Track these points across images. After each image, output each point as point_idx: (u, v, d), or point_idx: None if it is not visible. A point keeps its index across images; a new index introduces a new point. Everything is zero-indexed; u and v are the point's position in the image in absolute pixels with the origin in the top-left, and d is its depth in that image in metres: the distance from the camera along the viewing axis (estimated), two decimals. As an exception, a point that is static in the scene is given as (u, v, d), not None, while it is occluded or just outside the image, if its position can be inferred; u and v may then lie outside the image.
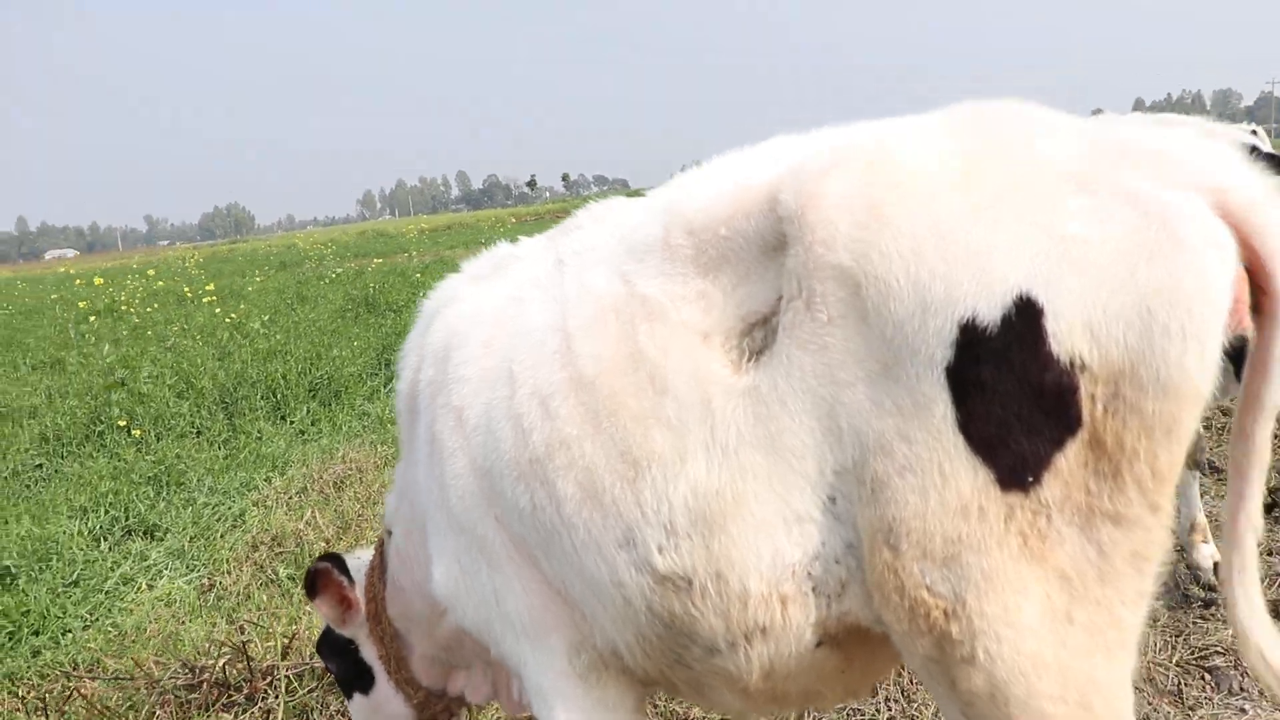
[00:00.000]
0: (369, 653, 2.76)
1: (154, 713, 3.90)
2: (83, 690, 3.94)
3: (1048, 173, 1.48)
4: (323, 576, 2.65)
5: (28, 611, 5.06)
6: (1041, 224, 1.43)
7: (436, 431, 2.13)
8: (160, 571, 5.64)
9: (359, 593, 2.75)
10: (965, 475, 1.43)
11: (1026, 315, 1.38)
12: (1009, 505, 1.42)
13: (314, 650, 3.01)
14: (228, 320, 14.09)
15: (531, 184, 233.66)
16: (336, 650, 2.81)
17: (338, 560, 2.70)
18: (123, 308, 18.52)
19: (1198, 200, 1.41)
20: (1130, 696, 1.53)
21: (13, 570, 5.50)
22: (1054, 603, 1.44)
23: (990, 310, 1.40)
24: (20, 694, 4.09)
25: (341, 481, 6.89)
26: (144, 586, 5.46)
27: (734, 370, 1.72)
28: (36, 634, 4.95)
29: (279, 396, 9.04)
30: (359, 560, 2.85)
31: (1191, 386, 1.37)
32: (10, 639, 4.92)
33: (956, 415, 1.43)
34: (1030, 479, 1.41)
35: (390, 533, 2.62)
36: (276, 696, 3.93)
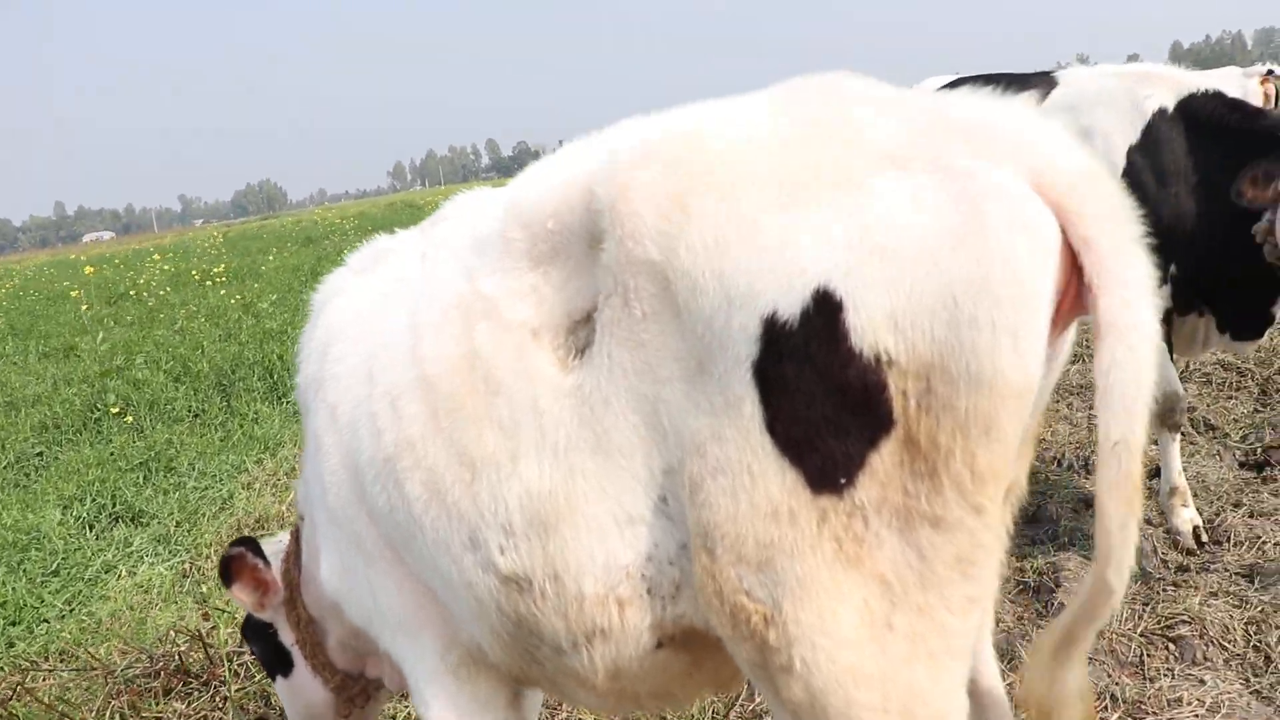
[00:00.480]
0: (287, 637, 2.76)
1: (109, 702, 3.90)
2: (28, 686, 3.95)
3: (862, 153, 1.41)
4: (236, 561, 2.64)
5: (4, 602, 5.11)
6: (846, 210, 1.36)
7: (316, 427, 2.13)
8: (141, 558, 5.68)
9: (278, 576, 2.73)
10: (774, 477, 1.38)
11: (825, 309, 1.31)
12: (821, 508, 1.37)
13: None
14: (233, 301, 14.15)
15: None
16: (257, 634, 2.81)
17: (252, 544, 2.69)
18: (140, 292, 18.65)
19: (1015, 180, 1.33)
20: (962, 706, 1.45)
21: (-8, 560, 5.55)
22: (873, 610, 1.38)
23: (790, 305, 1.34)
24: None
25: (330, 462, 6.87)
26: (124, 574, 5.49)
27: (561, 369, 1.67)
28: (14, 624, 5.00)
29: (275, 378, 9.06)
30: (278, 544, 2.84)
31: (1007, 382, 1.29)
32: (-13, 628, 4.97)
33: (764, 414, 1.37)
34: (842, 480, 1.35)
35: (302, 519, 2.61)
36: (234, 682, 3.93)
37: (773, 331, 1.35)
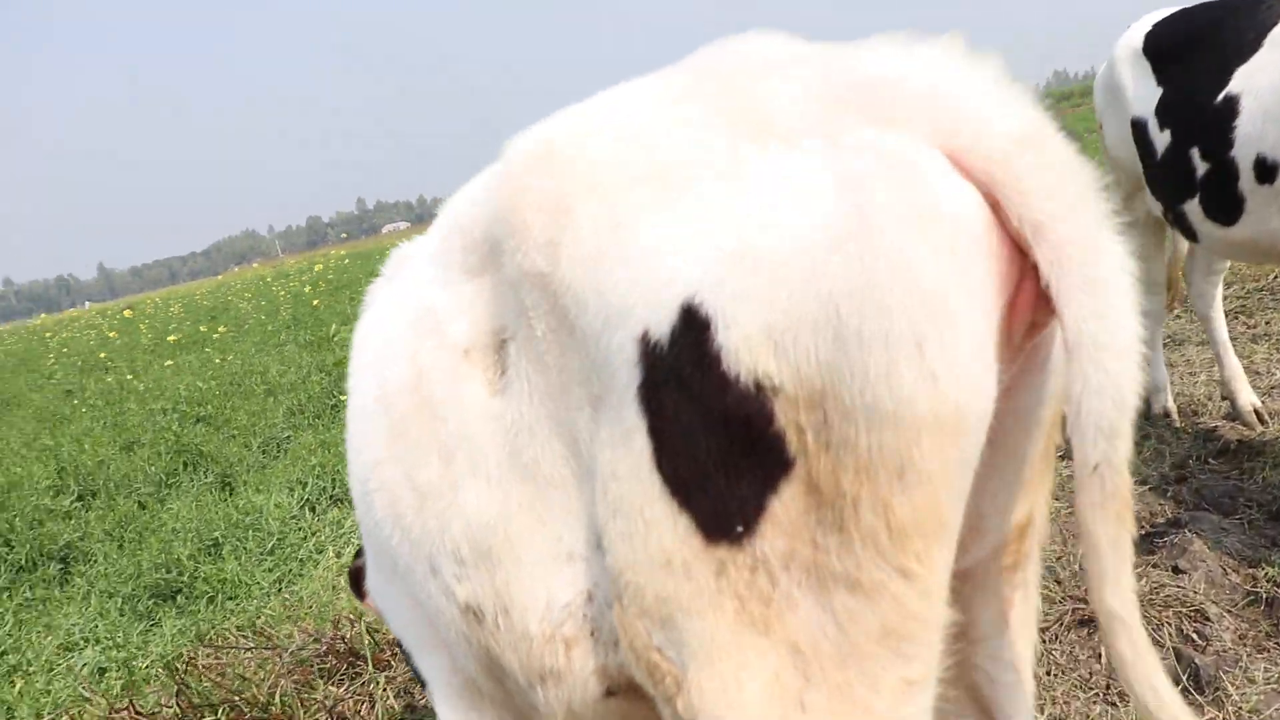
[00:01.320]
0: None
1: (279, 681, 4.10)
2: (201, 661, 4.20)
3: (750, 131, 1.19)
4: (362, 576, 2.58)
5: (225, 580, 5.51)
6: (720, 205, 1.15)
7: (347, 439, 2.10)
8: (350, 539, 5.97)
9: None
10: (666, 522, 1.18)
11: (692, 327, 1.10)
12: (718, 559, 1.16)
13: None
14: None
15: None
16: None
17: None
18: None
19: (917, 151, 1.09)
20: None
21: (220, 541, 6.04)
22: (784, 684, 1.17)
23: (659, 323, 1.14)
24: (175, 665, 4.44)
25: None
26: (332, 555, 5.79)
27: (490, 391, 1.52)
28: (232, 599, 5.39)
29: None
30: None
31: (916, 413, 1.05)
32: (209, 604, 5.39)
33: (652, 450, 1.17)
34: (739, 528, 1.14)
35: None
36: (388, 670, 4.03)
37: (647, 354, 1.15)
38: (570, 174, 1.31)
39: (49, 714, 4.30)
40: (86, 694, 4.34)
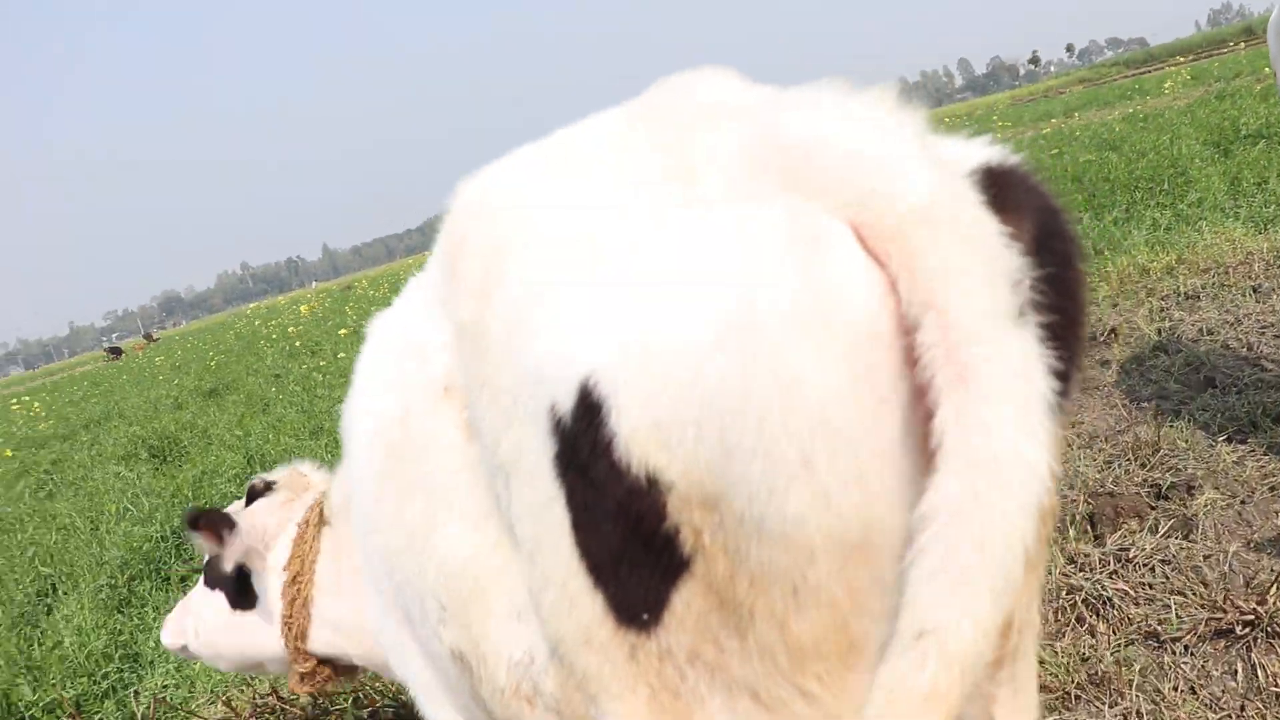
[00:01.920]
0: (268, 586, 2.60)
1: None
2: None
3: (679, 193, 1.10)
4: (205, 517, 2.57)
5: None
6: (630, 282, 1.05)
7: None
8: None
9: (283, 543, 2.59)
10: (585, 598, 1.12)
11: (589, 409, 1.02)
12: (630, 644, 1.10)
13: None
14: None
15: (1034, 61, 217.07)
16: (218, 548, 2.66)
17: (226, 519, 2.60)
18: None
19: (827, 233, 0.98)
20: None
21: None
22: None
23: (564, 398, 1.06)
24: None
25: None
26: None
27: (465, 434, 1.44)
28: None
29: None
30: (272, 502, 2.72)
31: (806, 534, 0.95)
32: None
33: (570, 521, 1.10)
34: (645, 616, 1.07)
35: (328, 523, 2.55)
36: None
37: (556, 427, 1.08)
38: (511, 224, 1.25)
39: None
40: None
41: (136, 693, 4.70)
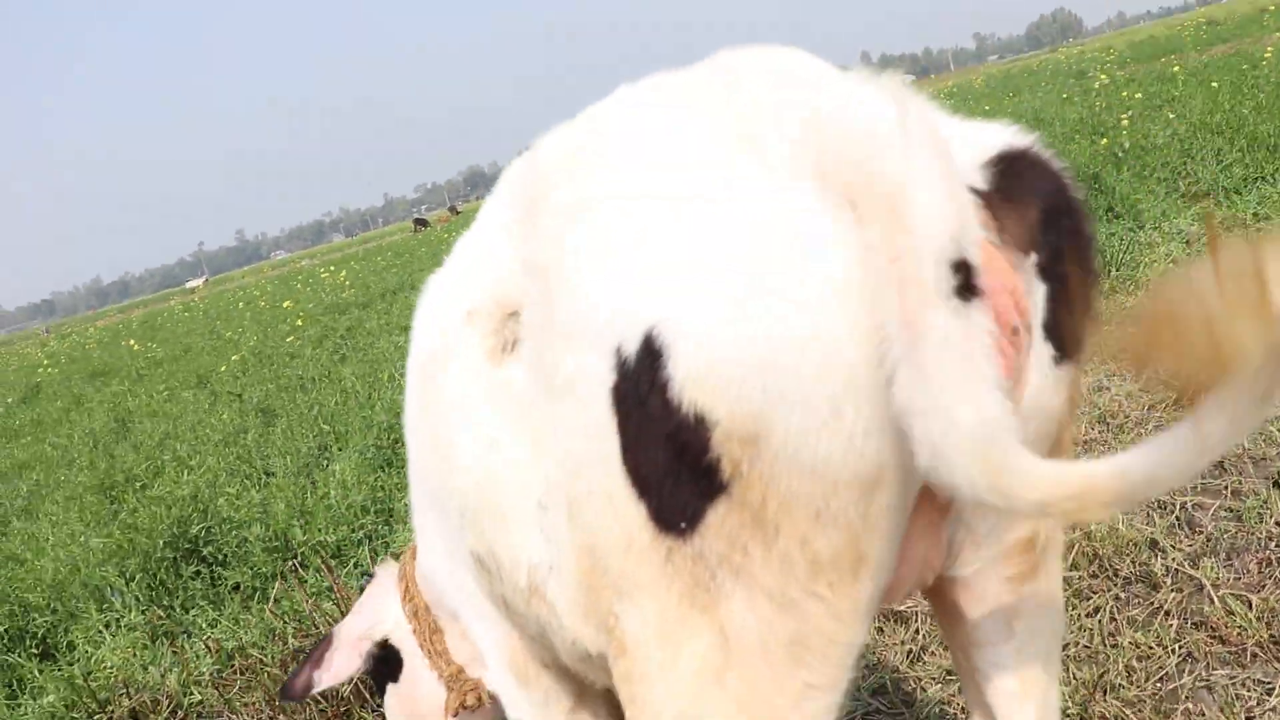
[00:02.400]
0: (398, 632, 2.55)
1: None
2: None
3: (746, 161, 1.23)
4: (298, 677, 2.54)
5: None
6: (698, 240, 1.20)
7: None
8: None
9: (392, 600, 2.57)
10: (628, 508, 1.29)
11: (651, 354, 1.20)
12: (667, 547, 1.28)
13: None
14: None
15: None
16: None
17: None
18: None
19: (812, 203, 1.15)
20: None
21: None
22: (710, 661, 1.29)
23: (630, 342, 1.22)
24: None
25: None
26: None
27: (490, 359, 1.59)
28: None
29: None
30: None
31: (832, 469, 1.15)
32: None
33: (620, 445, 1.27)
34: (683, 525, 1.25)
35: None
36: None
37: (620, 365, 1.24)
38: (591, 182, 1.37)
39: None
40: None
41: (386, 544, 5.17)
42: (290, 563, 5.17)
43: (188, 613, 5.04)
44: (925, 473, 1.07)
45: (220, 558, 5.52)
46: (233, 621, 4.76)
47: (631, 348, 1.21)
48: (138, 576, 5.36)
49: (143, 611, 5.08)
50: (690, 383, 1.16)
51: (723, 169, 1.23)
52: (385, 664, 2.59)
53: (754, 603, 1.24)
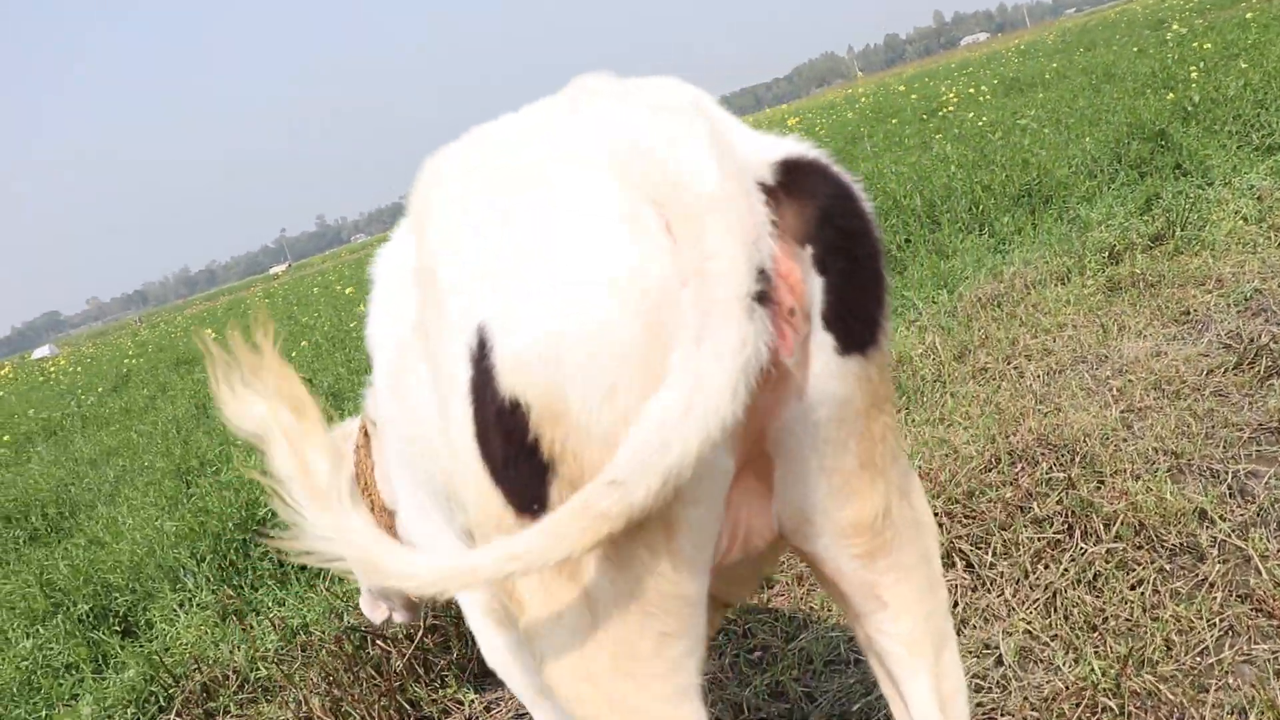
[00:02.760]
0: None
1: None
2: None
3: (552, 182, 1.40)
4: None
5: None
6: (517, 244, 1.38)
7: None
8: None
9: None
10: (492, 494, 1.44)
11: (482, 346, 1.37)
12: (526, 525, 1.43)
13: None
14: (985, 121, 13.54)
15: None
16: None
17: None
18: (948, 107, 18.94)
19: (633, 216, 1.30)
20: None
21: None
22: (583, 618, 1.45)
23: (471, 336, 1.39)
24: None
25: (997, 300, 6.52)
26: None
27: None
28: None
29: (980, 209, 8.74)
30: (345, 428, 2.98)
31: (604, 440, 1.30)
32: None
33: (474, 434, 1.43)
34: (536, 507, 1.40)
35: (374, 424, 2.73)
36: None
37: (471, 359, 1.40)
38: (452, 189, 1.55)
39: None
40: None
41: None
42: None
43: (255, 592, 5.24)
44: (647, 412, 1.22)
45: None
46: (298, 600, 4.94)
47: (474, 343, 1.36)
48: (208, 558, 5.59)
49: (213, 591, 5.30)
50: (507, 371, 1.31)
51: (548, 184, 1.38)
52: None
53: (602, 567, 1.38)
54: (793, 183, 1.38)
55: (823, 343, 1.40)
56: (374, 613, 3.36)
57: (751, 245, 1.22)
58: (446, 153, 1.67)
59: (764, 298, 1.23)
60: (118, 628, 5.32)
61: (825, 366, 1.41)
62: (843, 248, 1.38)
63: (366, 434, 2.95)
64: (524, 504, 1.40)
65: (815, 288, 1.38)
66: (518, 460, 1.36)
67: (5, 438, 14.13)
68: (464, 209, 1.49)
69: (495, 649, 2.32)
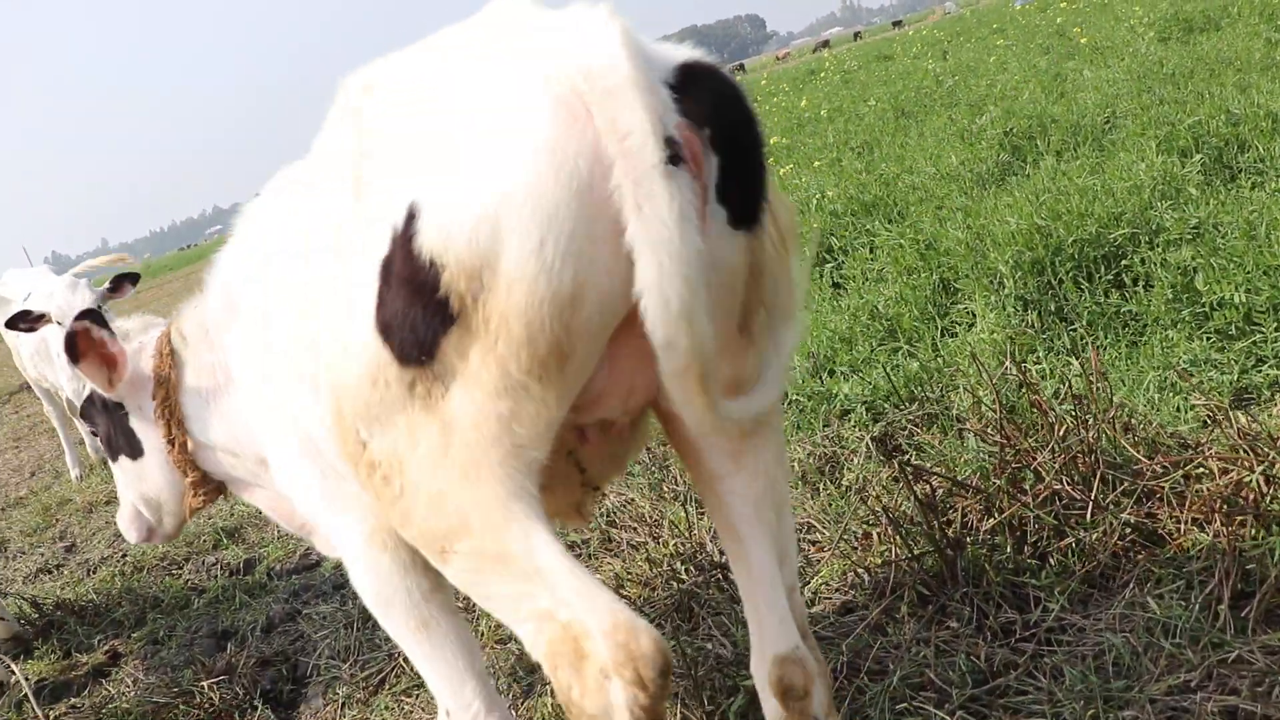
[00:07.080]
0: (141, 423, 2.74)
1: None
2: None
3: (479, 80, 1.61)
4: (82, 339, 2.58)
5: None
6: (441, 134, 1.60)
7: None
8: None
9: (143, 359, 2.70)
10: (378, 348, 1.64)
11: (410, 221, 1.55)
12: (411, 377, 1.64)
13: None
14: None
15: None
16: (102, 411, 2.81)
17: (95, 316, 2.64)
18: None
19: (547, 87, 1.50)
20: (524, 531, 1.65)
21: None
22: (436, 443, 1.66)
23: (399, 217, 1.57)
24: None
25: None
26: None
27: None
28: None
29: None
30: (137, 325, 2.83)
31: (535, 290, 1.49)
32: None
33: (376, 301, 1.62)
34: (424, 358, 1.59)
35: (185, 338, 2.66)
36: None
37: (391, 236, 1.58)
38: (386, 104, 1.76)
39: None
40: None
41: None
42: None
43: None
44: (640, 291, 1.40)
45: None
46: None
47: (400, 221, 1.54)
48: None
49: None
50: (428, 237, 1.49)
51: (474, 83, 1.59)
52: (125, 437, 2.81)
53: (470, 395, 1.57)
54: (691, 80, 1.53)
55: (717, 213, 1.54)
56: (132, 530, 3.03)
57: (658, 119, 1.40)
58: (373, 68, 1.85)
59: (676, 159, 1.41)
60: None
61: (719, 236, 1.55)
62: (732, 136, 1.54)
63: (174, 349, 2.66)
64: (409, 356, 1.58)
65: (712, 166, 1.52)
66: (419, 315, 1.54)
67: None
68: (396, 113, 1.69)
69: (380, 576, 2.28)
